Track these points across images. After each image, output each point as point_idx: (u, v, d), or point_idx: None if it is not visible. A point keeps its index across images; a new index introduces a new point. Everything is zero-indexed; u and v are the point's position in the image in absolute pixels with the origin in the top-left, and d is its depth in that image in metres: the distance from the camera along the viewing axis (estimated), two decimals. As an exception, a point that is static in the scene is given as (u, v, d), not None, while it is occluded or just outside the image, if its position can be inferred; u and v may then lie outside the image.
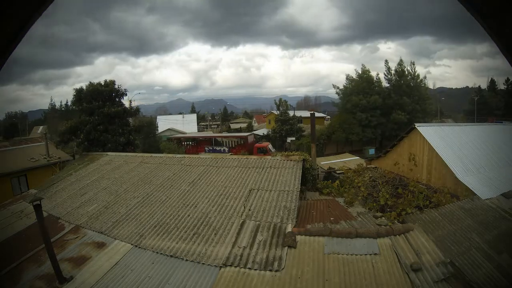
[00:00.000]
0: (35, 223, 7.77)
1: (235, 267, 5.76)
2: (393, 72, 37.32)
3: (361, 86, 35.31)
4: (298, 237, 6.36)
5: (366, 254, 5.70)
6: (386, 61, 38.08)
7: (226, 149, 34.34)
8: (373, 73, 37.33)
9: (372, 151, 28.87)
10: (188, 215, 7.90)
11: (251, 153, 26.88)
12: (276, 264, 5.70)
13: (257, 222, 7.15)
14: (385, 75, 37.94)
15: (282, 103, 41.71)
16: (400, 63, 37.14)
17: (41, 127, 51.62)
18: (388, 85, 37.78)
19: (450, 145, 11.34)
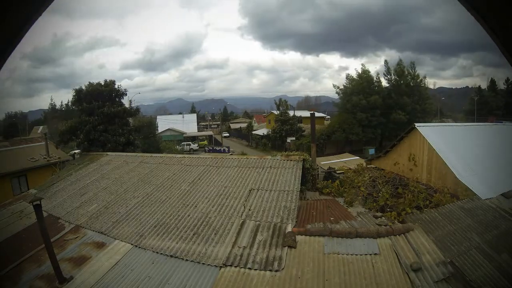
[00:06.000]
0: (35, 223, 7.76)
1: (235, 267, 5.76)
2: (392, 72, 37.42)
3: (361, 86, 35.37)
4: (298, 237, 6.36)
5: (366, 254, 5.70)
6: (386, 61, 38.26)
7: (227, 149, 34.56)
8: (373, 73, 37.52)
9: (372, 151, 28.90)
10: (188, 215, 7.90)
11: None
12: (276, 264, 5.70)
13: (257, 222, 7.15)
14: (385, 75, 38.05)
15: (282, 103, 41.76)
16: (400, 63, 37.24)
17: (41, 127, 51.60)
18: (388, 85, 37.87)
19: (450, 145, 11.29)
